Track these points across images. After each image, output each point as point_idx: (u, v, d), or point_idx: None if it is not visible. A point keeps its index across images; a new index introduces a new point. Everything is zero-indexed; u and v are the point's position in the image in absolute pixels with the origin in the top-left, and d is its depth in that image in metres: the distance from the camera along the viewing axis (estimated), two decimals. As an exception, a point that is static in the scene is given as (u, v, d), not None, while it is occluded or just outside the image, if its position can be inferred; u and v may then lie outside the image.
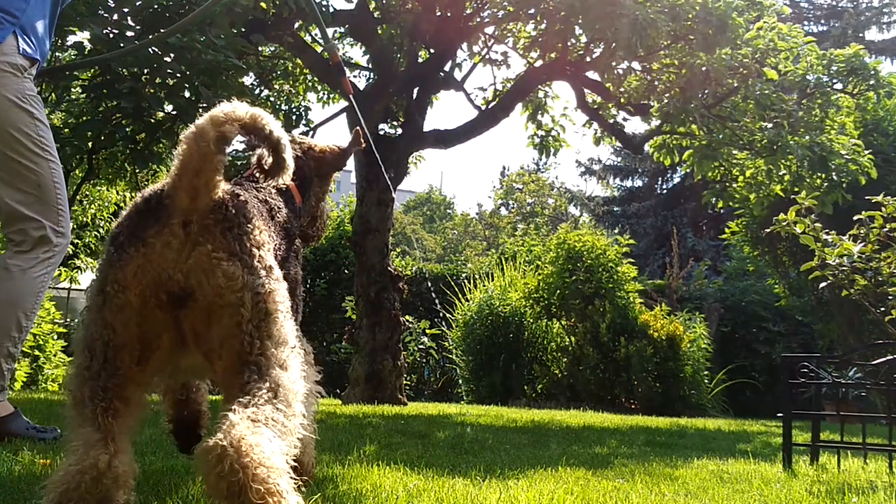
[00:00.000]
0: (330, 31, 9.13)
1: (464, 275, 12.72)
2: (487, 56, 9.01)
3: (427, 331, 11.40)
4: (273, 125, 1.65)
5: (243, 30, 6.11)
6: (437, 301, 10.61)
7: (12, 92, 2.66)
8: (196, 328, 1.60)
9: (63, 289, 12.87)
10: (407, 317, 10.03)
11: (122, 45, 4.80)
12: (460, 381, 10.72)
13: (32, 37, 2.77)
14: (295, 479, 1.40)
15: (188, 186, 1.58)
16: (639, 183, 27.33)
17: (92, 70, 5.59)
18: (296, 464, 1.47)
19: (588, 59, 8.06)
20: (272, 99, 9.09)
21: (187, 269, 1.56)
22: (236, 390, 1.51)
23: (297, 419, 1.53)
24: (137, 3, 5.06)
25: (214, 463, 1.33)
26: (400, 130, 8.30)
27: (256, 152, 1.77)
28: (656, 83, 7.49)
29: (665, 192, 26.51)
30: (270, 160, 1.70)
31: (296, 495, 1.37)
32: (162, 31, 5.02)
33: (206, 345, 1.60)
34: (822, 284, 4.74)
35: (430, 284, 11.27)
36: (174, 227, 1.58)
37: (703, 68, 6.55)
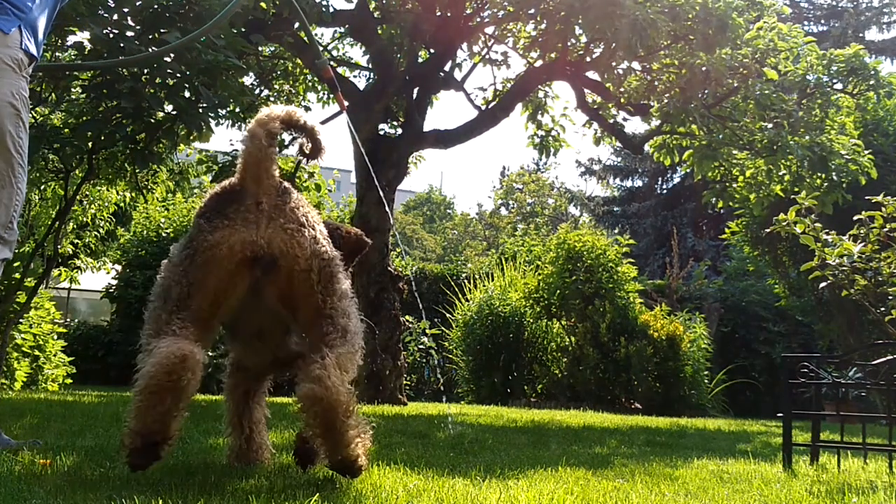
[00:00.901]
0: (330, 32, 9.15)
1: (464, 275, 12.71)
2: (487, 56, 9.01)
3: (427, 331, 11.39)
4: (306, 116, 2.13)
5: (243, 30, 6.11)
6: (420, 303, 10.61)
7: (7, 87, 2.63)
8: (281, 290, 2.06)
9: (63, 289, 12.86)
10: (407, 317, 10.02)
11: (122, 45, 4.79)
12: (456, 381, 10.72)
13: (33, 36, 2.76)
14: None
15: (253, 175, 2.05)
16: (639, 183, 27.32)
17: (92, 70, 5.58)
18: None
19: (588, 59, 8.06)
20: (272, 99, 9.08)
21: (268, 237, 2.00)
22: (317, 339, 2.05)
23: (357, 353, 2.11)
24: (137, 3, 5.05)
25: (313, 403, 1.91)
26: (400, 130, 8.30)
27: (297, 142, 2.20)
28: (656, 83, 7.49)
29: (665, 192, 26.50)
30: (310, 145, 2.15)
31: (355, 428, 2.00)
32: (163, 30, 5.02)
33: (290, 302, 2.08)
34: (822, 284, 4.74)
35: (414, 286, 11.27)
36: (249, 206, 2.04)
37: (703, 68, 6.55)
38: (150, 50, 4.83)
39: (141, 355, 1.94)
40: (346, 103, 3.79)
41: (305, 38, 7.86)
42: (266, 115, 2.06)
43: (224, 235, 1.97)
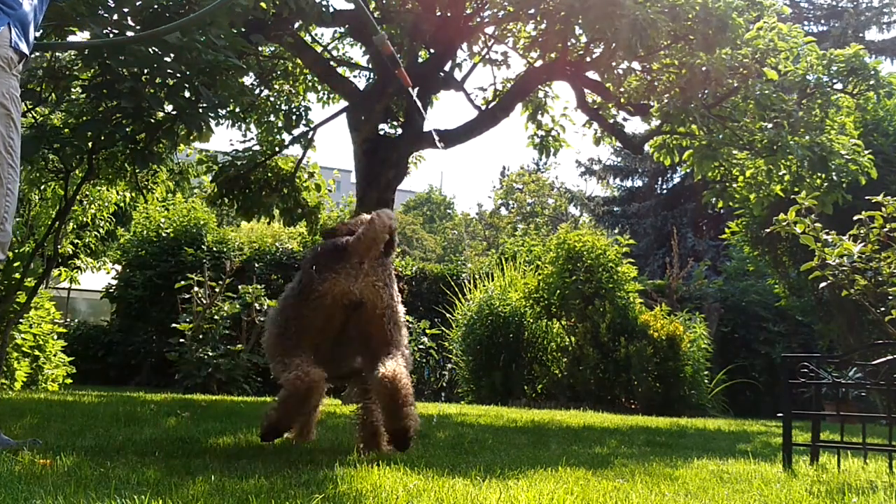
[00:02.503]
0: (330, 32, 9.13)
1: (464, 275, 12.70)
2: (487, 56, 9.01)
3: (427, 331, 11.38)
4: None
5: (243, 30, 6.11)
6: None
7: None
8: (363, 323, 2.87)
9: (63, 289, 12.87)
10: (407, 317, 9.98)
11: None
12: (456, 381, 10.71)
13: (23, 33, 2.73)
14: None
15: (366, 249, 2.83)
16: (639, 183, 27.31)
17: (92, 70, 5.57)
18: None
19: (588, 59, 8.05)
20: (272, 99, 9.08)
21: (360, 289, 2.79)
22: (385, 356, 2.78)
23: (408, 365, 2.86)
24: (137, 3, 5.05)
25: (386, 382, 2.65)
26: (400, 130, 8.29)
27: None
28: (656, 83, 7.49)
29: (665, 192, 26.49)
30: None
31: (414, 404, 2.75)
32: (160, 28, 5.01)
33: (368, 332, 2.89)
34: (822, 284, 4.74)
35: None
36: (354, 264, 2.81)
37: (703, 68, 6.54)
38: (150, 50, 4.83)
39: (276, 366, 2.79)
40: (409, 81, 3.91)
41: (314, 30, 7.84)
42: (390, 220, 2.86)
43: (331, 286, 2.76)
